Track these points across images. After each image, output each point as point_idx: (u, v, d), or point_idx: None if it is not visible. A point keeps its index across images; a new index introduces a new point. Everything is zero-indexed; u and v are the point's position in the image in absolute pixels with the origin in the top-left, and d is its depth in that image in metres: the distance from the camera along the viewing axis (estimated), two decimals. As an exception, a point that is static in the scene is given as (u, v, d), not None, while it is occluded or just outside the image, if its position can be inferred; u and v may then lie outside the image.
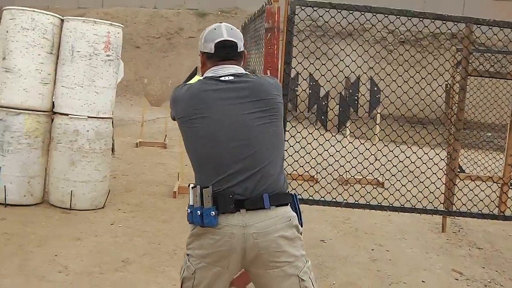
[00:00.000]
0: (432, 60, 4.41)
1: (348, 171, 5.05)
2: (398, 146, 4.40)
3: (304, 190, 4.19)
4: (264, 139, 2.38)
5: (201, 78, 2.51)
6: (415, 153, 4.32)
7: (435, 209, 4.11)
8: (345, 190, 4.78)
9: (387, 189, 4.96)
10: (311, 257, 4.80)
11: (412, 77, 4.15)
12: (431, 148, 4.70)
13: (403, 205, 4.27)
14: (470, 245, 5.60)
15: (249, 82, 2.43)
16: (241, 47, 2.52)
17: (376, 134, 5.33)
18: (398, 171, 4.33)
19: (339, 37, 6.41)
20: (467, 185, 4.61)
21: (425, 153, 4.39)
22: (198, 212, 2.30)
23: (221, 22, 2.57)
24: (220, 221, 2.30)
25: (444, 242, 5.65)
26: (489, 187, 4.55)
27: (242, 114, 2.37)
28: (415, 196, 4.20)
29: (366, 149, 4.61)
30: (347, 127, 8.05)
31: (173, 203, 6.25)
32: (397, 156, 4.29)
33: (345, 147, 4.39)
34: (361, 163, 4.48)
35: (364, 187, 4.91)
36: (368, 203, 4.17)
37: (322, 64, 4.29)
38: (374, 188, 5.03)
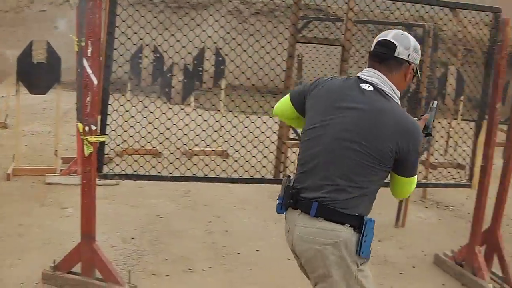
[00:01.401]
0: (283, 29, 4.33)
1: (192, 141, 4.83)
2: (248, 116, 4.27)
3: (147, 161, 3.89)
4: (345, 163, 2.27)
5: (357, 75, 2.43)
6: (253, 122, 4.18)
7: (263, 178, 4.01)
8: (194, 164, 4.53)
9: (236, 160, 4.81)
10: (145, 233, 4.70)
11: (263, 47, 4.07)
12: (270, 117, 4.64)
13: (241, 176, 4.13)
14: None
15: (378, 105, 2.30)
16: (400, 53, 2.35)
17: (225, 105, 5.16)
18: (248, 141, 4.17)
19: (195, 11, 6.15)
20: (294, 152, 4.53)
21: (263, 122, 4.31)
22: (277, 200, 2.46)
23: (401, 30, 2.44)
24: (287, 214, 2.42)
25: (282, 210, 5.71)
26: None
27: (344, 128, 2.30)
28: (253, 166, 4.05)
29: (213, 118, 4.45)
30: (193, 98, 7.87)
31: (6, 186, 5.65)
32: (246, 126, 4.11)
33: (190, 116, 4.21)
34: (208, 133, 4.34)
35: (207, 157, 4.73)
36: (206, 176, 3.97)
37: (171, 35, 4.03)
38: (223, 160, 4.89)
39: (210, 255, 4.39)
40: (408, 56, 2.36)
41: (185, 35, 4.11)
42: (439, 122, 5.18)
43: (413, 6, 4.02)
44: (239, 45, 4.37)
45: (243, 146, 4.10)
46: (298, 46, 4.03)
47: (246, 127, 4.07)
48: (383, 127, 2.25)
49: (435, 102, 2.64)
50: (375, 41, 2.43)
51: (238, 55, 4.17)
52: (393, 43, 2.35)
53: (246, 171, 4.03)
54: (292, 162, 4.15)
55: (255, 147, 4.10)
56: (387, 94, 2.33)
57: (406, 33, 2.43)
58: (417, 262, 4.62)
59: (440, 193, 6.57)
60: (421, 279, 4.30)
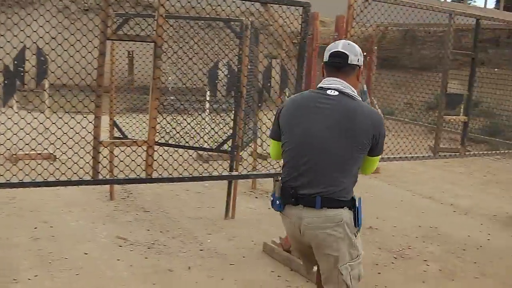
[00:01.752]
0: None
1: (15, 145, 4.56)
2: (73, 117, 4.08)
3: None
4: (334, 156, 2.71)
5: (317, 87, 2.86)
6: (79, 123, 4.04)
7: (81, 179, 3.88)
8: (20, 169, 4.26)
9: (64, 163, 4.62)
10: None
11: (85, 46, 3.95)
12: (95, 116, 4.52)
13: (70, 179, 3.98)
14: (138, 210, 5.75)
15: (348, 106, 2.74)
16: (352, 60, 2.79)
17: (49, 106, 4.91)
18: (75, 143, 4.02)
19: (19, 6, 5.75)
20: (123, 150, 4.48)
21: (89, 122, 4.19)
22: (272, 199, 2.94)
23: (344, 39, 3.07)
24: (285, 209, 2.87)
25: (112, 210, 5.68)
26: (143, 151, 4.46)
27: (326, 130, 2.73)
28: (82, 168, 3.91)
29: (37, 120, 4.19)
30: (14, 100, 7.38)
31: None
32: (71, 127, 3.97)
33: (12, 120, 3.96)
34: (32, 136, 4.08)
35: (34, 161, 4.49)
36: (33, 180, 3.77)
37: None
38: (51, 163, 4.62)
39: (36, 262, 4.23)
40: (358, 61, 2.83)
41: (2, 35, 3.86)
42: (265, 115, 5.44)
43: (234, 2, 4.10)
44: (59, 44, 4.24)
45: (70, 148, 3.98)
46: (132, 43, 3.99)
47: (71, 128, 3.97)
48: (360, 123, 2.72)
49: (365, 86, 3.17)
50: (327, 53, 2.84)
51: (59, 55, 4.05)
52: (345, 53, 2.80)
53: (75, 173, 3.92)
54: (121, 161, 4.11)
55: (82, 148, 4.00)
56: (351, 95, 2.78)
57: (350, 42, 2.93)
58: (247, 252, 4.80)
59: (269, 183, 6.87)
60: (251, 268, 4.46)
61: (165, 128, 5.98)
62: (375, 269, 4.60)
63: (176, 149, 5.24)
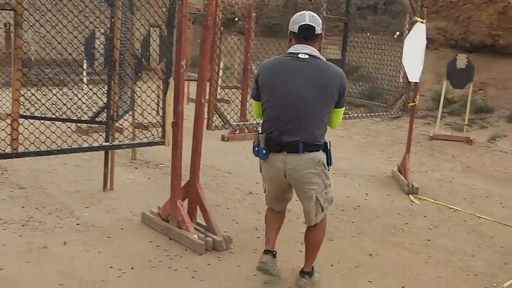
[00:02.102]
0: None
1: None
2: None
3: None
4: (311, 108, 3.37)
5: (288, 52, 3.47)
6: None
7: None
8: None
9: None
10: None
11: None
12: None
13: None
14: (13, 187, 5.47)
15: (320, 66, 3.40)
16: (317, 31, 3.43)
17: None
18: None
19: None
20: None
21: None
22: (256, 149, 3.53)
23: (306, 11, 3.47)
24: (270, 157, 3.47)
25: (-18, 188, 5.36)
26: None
27: (304, 87, 3.36)
28: None
29: None
30: None
31: None
32: None
33: None
34: None
35: None
36: None
37: None
38: None
39: None
40: (320, 30, 3.47)
41: None
42: (144, 83, 5.30)
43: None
44: None
45: None
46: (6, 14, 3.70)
47: None
48: (329, 79, 3.38)
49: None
50: (295, 25, 3.42)
51: None
52: (312, 25, 3.40)
53: None
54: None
55: None
56: (318, 57, 3.43)
57: (314, 13, 3.47)
58: (125, 223, 4.74)
59: (149, 153, 6.86)
60: (129, 239, 4.41)
61: (36, 101, 5.70)
62: (255, 233, 4.70)
63: (53, 122, 5.01)
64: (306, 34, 3.42)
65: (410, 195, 6.10)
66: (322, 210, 3.62)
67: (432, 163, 7.96)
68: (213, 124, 4.70)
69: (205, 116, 4.51)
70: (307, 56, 3.39)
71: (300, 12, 3.48)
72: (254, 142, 3.56)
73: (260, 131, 3.52)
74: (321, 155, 3.45)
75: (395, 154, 8.20)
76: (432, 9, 13.97)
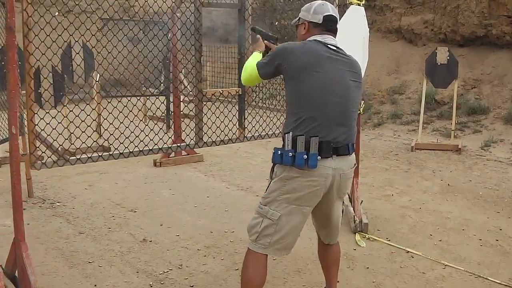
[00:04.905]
0: None
1: None
2: None
3: None
4: (354, 103, 2.87)
5: (311, 40, 2.90)
6: None
7: None
8: None
9: None
10: None
11: None
12: None
13: None
14: None
15: (350, 57, 2.92)
16: (337, 23, 3.01)
17: None
18: None
19: None
20: None
21: None
22: (295, 156, 2.68)
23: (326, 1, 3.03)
24: (319, 164, 2.70)
25: None
26: None
27: (346, 78, 2.83)
28: None
29: None
30: None
31: None
32: None
33: None
34: None
35: None
36: None
37: None
38: None
39: None
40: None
41: None
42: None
43: None
44: None
45: None
46: None
47: None
48: (360, 76, 2.96)
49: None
50: (318, 15, 2.92)
51: None
52: (336, 17, 2.96)
53: None
54: None
55: None
56: (344, 52, 2.94)
57: (333, 5, 3.07)
58: None
59: (56, 187, 5.72)
60: None
61: None
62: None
63: None
64: (330, 25, 2.94)
65: (356, 233, 4.58)
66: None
67: (404, 182, 6.39)
68: (39, 162, 3.28)
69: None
70: (335, 48, 2.89)
71: (320, 2, 2.99)
72: (281, 149, 2.74)
73: (289, 131, 2.72)
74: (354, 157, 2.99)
75: (367, 173, 6.69)
76: (417, 0, 12.49)
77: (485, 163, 7.46)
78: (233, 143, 4.50)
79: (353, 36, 4.35)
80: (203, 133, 4.39)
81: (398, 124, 10.32)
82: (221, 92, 4.88)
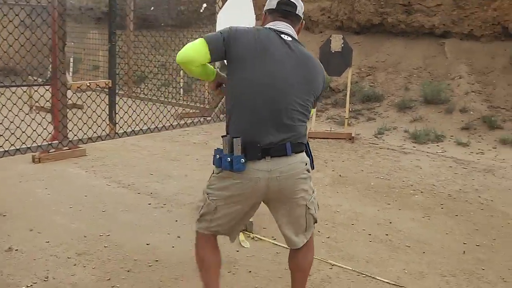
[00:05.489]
0: None
1: None
2: None
3: None
4: (298, 101, 2.59)
5: (266, 27, 2.68)
6: None
7: None
8: None
9: None
10: None
11: None
12: None
13: None
14: None
15: (304, 52, 2.67)
16: (299, 12, 2.74)
17: None
18: None
19: None
20: None
21: None
22: (222, 159, 2.55)
23: None
24: (247, 167, 2.53)
25: None
26: None
27: (290, 74, 2.58)
28: None
29: None
30: None
31: None
32: None
33: None
34: None
35: None
36: None
37: None
38: None
39: None
40: (302, 15, 2.77)
41: None
42: None
43: None
44: None
45: None
46: None
47: None
48: (315, 70, 2.70)
49: None
50: (273, 1, 2.72)
51: None
52: (294, 2, 2.72)
53: None
54: None
55: None
56: (301, 43, 2.71)
57: None
58: None
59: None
60: None
61: None
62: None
63: None
64: (286, 11, 2.71)
65: (240, 233, 4.27)
66: (315, 221, 2.86)
67: (297, 174, 6.20)
68: None
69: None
70: (290, 38, 2.67)
71: None
72: (216, 150, 2.63)
73: (235, 136, 2.55)
74: (305, 156, 2.73)
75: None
76: (314, -13, 12.43)
77: (378, 152, 7.45)
78: (102, 140, 4.03)
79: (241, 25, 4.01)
80: (68, 130, 3.89)
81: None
82: (88, 84, 4.38)
